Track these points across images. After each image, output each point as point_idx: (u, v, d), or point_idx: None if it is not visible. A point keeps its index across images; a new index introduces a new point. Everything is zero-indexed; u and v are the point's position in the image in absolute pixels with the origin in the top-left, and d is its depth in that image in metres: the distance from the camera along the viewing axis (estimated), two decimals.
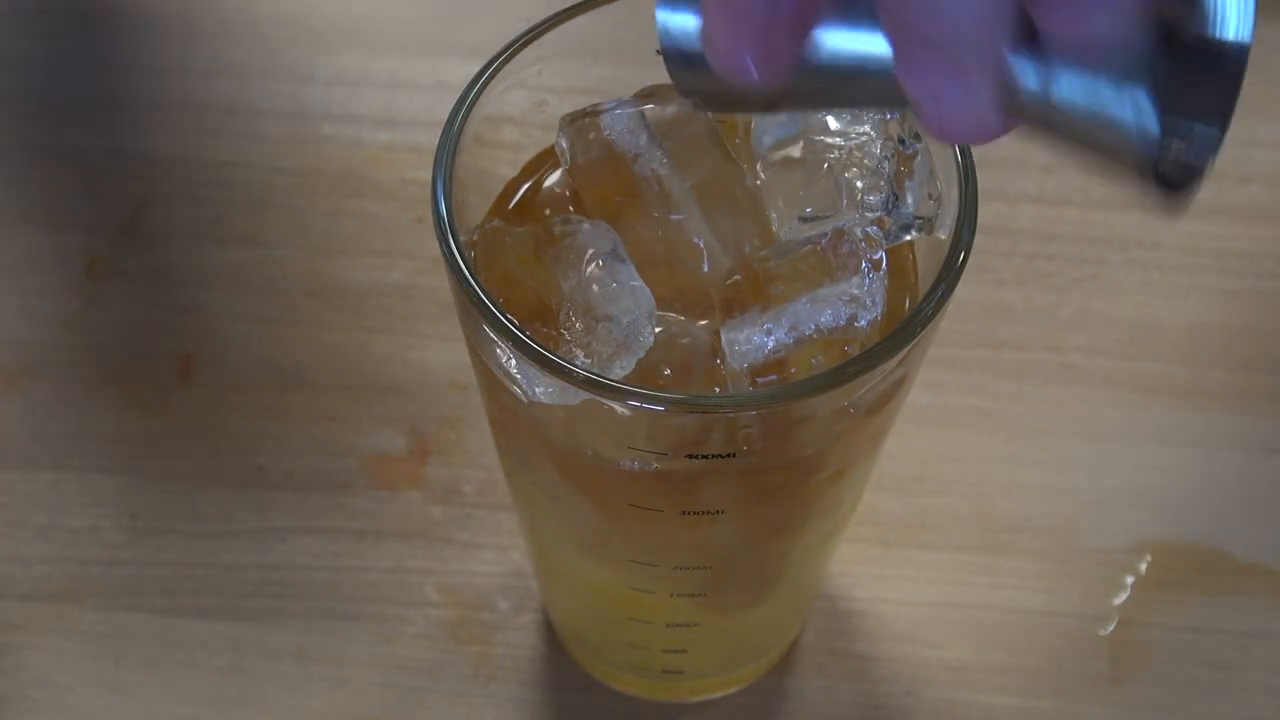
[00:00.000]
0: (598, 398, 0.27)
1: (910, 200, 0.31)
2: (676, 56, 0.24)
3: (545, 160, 0.34)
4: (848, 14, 0.22)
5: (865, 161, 0.31)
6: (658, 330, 0.30)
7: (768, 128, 0.32)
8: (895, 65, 0.21)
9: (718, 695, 0.46)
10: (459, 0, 0.62)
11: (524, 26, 0.32)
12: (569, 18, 0.32)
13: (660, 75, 0.33)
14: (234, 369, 0.52)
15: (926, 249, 0.32)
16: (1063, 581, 0.47)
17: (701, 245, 0.31)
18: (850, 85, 0.23)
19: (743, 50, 0.22)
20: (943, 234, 0.31)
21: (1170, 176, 0.20)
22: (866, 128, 0.31)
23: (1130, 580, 0.47)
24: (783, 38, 0.22)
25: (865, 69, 0.23)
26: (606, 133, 0.32)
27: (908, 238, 0.32)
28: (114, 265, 0.55)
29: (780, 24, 0.22)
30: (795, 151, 0.32)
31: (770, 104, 0.26)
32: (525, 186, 0.34)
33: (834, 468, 0.33)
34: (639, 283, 0.30)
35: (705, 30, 0.23)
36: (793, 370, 0.29)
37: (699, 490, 0.31)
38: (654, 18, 0.24)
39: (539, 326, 0.30)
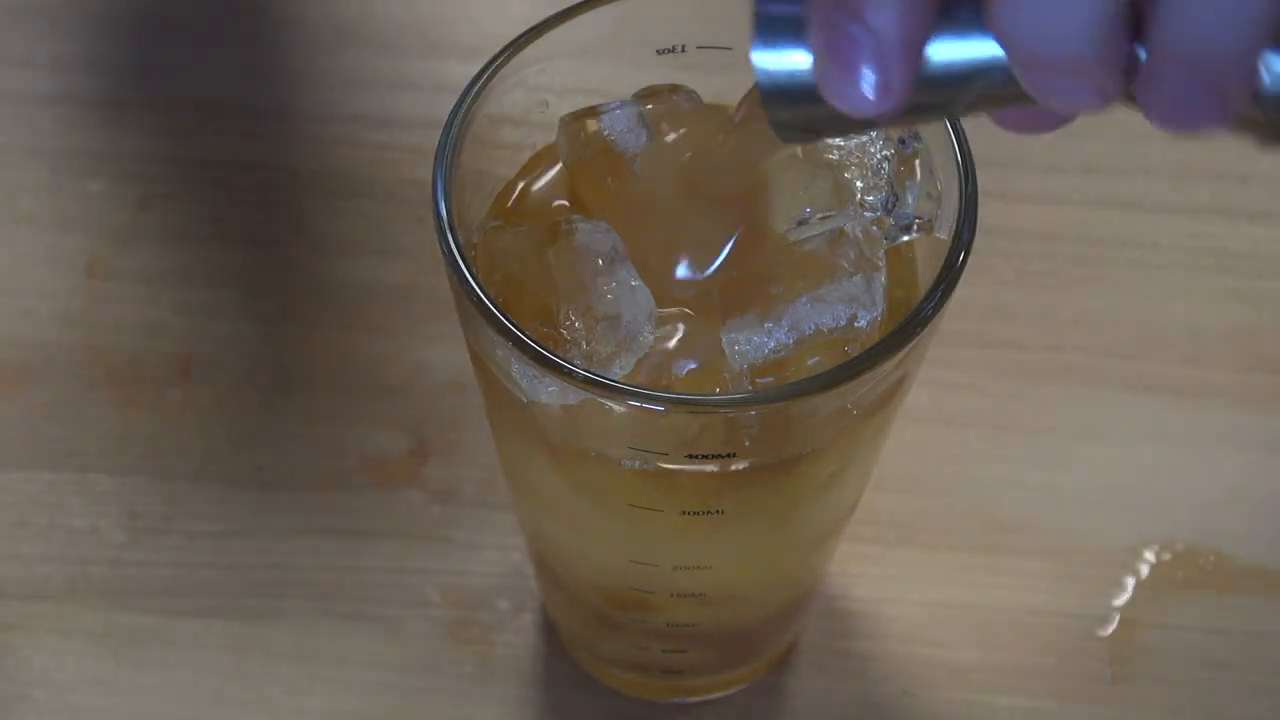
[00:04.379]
0: (598, 398, 0.27)
1: (910, 200, 0.31)
2: (778, 96, 0.24)
3: (545, 160, 0.34)
4: (955, 24, 0.23)
5: (865, 161, 0.31)
6: (658, 330, 0.30)
7: None
8: (1020, 78, 0.22)
9: (718, 695, 0.46)
10: (459, 0, 0.62)
11: (524, 26, 0.32)
12: (569, 18, 0.32)
13: (660, 75, 0.33)
14: (234, 369, 0.52)
15: (926, 249, 0.32)
16: (1063, 581, 0.47)
17: (701, 245, 0.31)
18: (961, 91, 0.23)
19: (860, 83, 0.22)
20: (943, 234, 0.31)
21: None
22: None
23: (1130, 580, 0.47)
24: (898, 63, 0.22)
25: (978, 73, 0.23)
26: (606, 133, 0.32)
27: (907, 238, 0.32)
28: (114, 265, 0.55)
29: (895, 51, 0.22)
30: (795, 152, 0.32)
31: (870, 124, 0.26)
32: (525, 186, 0.34)
33: (834, 468, 0.33)
34: (639, 283, 0.30)
35: (819, 71, 0.23)
36: (793, 370, 0.29)
37: (699, 490, 0.31)
38: (752, 62, 0.24)
39: (539, 326, 0.30)
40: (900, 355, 0.28)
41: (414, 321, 0.53)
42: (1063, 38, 0.21)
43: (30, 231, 0.56)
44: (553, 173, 0.34)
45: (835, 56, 0.22)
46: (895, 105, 0.23)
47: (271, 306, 0.54)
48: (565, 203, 0.33)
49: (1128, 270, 0.54)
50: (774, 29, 0.24)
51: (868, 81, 0.22)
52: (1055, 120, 0.24)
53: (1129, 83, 0.21)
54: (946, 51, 0.23)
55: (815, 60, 0.23)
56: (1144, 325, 0.53)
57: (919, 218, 0.31)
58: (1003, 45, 0.22)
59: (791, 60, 0.23)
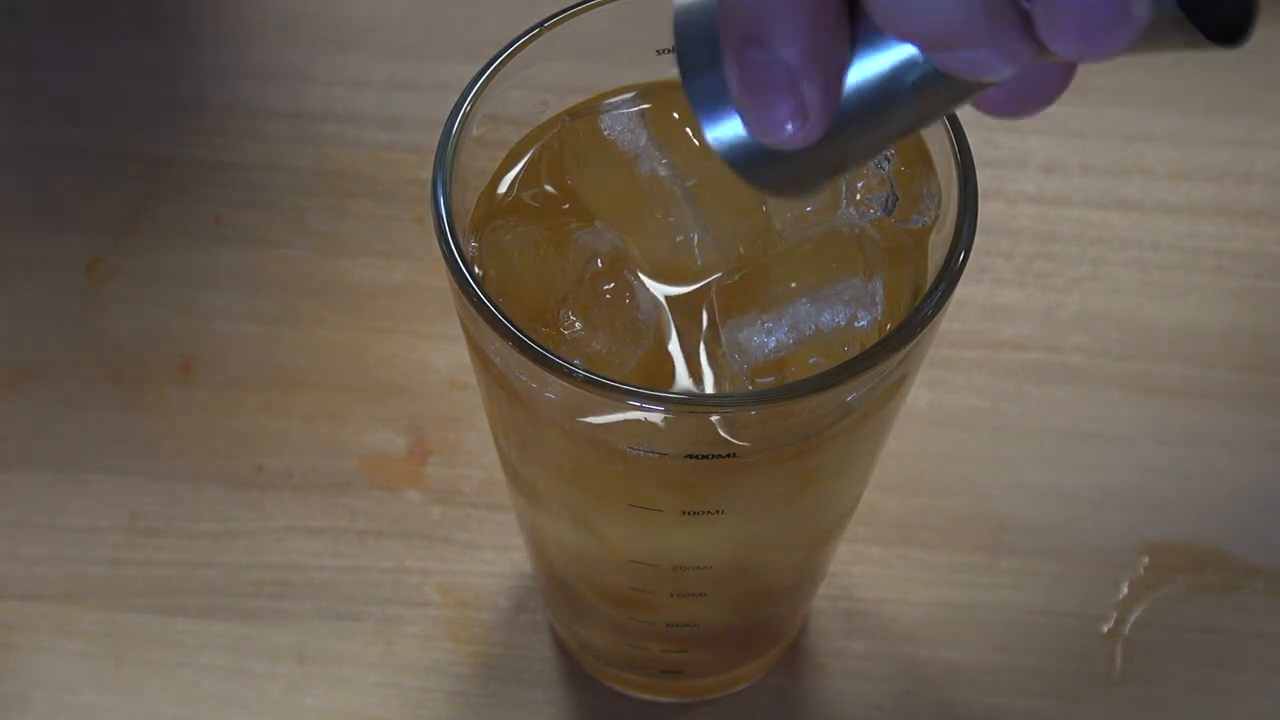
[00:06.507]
0: (597, 398, 0.27)
1: (910, 200, 0.31)
2: (745, 163, 0.23)
3: (545, 160, 0.34)
4: (865, 40, 0.22)
5: None
6: (657, 330, 0.30)
7: None
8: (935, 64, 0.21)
9: (718, 695, 0.46)
10: (459, 0, 0.62)
11: (524, 26, 0.32)
12: (569, 18, 0.32)
13: (659, 74, 0.33)
14: (234, 369, 0.52)
15: (927, 249, 0.32)
16: (1063, 581, 0.47)
17: (701, 245, 0.31)
18: (893, 100, 0.22)
19: (777, 111, 0.22)
20: (942, 234, 0.31)
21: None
22: None
23: (1130, 580, 0.47)
24: (808, 81, 0.22)
25: (895, 76, 0.22)
26: (606, 133, 0.32)
27: (906, 237, 0.32)
28: (114, 265, 0.55)
29: (803, 69, 0.21)
30: None
31: (837, 164, 0.24)
32: (524, 186, 0.34)
33: (834, 468, 0.33)
34: (639, 282, 0.30)
35: (742, 111, 0.22)
36: (793, 370, 0.29)
37: (699, 490, 0.31)
38: (709, 142, 0.23)
39: (539, 326, 0.30)
40: (900, 355, 0.28)
41: (414, 321, 0.53)
42: (938, 6, 0.20)
43: (30, 231, 0.56)
44: (552, 172, 0.34)
45: (749, 89, 0.22)
46: (817, 126, 0.22)
47: (271, 306, 0.54)
48: (565, 203, 0.33)
49: (1128, 270, 0.54)
50: (710, 100, 0.23)
51: (784, 108, 0.22)
52: (1031, 98, 0.23)
53: (1031, 34, 0.20)
54: (865, 67, 0.22)
55: (737, 101, 0.22)
56: (1144, 325, 0.53)
57: (918, 216, 0.31)
58: (893, 33, 0.21)
59: (737, 125, 0.23)
